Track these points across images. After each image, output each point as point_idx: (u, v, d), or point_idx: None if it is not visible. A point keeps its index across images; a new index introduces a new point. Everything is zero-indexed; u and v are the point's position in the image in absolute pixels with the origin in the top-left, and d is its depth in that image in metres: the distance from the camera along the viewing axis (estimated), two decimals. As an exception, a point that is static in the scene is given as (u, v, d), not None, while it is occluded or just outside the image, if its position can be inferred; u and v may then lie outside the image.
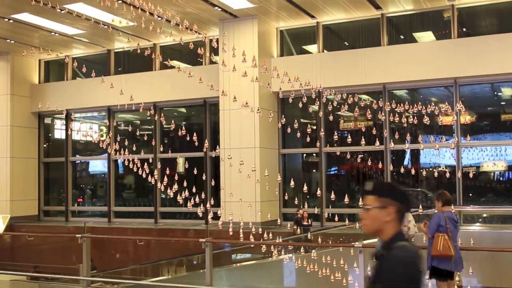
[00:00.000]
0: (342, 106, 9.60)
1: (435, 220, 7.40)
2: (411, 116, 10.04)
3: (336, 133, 13.40)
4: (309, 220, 12.81)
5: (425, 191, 14.14)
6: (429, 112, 8.96)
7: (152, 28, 9.09)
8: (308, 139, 14.57)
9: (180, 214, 16.61)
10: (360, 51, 14.11)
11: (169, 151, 15.34)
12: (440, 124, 12.85)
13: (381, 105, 10.84)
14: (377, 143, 9.77)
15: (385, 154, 13.90)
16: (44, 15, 13.90)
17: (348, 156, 14.55)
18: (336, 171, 15.78)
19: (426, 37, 14.65)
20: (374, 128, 13.69)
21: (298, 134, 9.39)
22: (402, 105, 9.08)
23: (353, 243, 8.13)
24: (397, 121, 9.21)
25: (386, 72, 13.75)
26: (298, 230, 11.53)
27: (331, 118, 9.79)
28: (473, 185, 14.18)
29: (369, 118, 14.11)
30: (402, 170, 12.37)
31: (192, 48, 8.42)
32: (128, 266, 13.25)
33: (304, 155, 16.02)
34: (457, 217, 8.23)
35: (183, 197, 8.15)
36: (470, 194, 13.83)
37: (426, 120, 8.83)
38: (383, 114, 11.34)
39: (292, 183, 9.10)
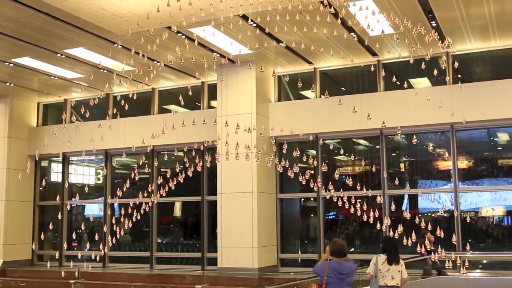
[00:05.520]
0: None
1: (317, 268, 6.70)
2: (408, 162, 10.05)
3: (336, 176, 13.36)
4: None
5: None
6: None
7: (152, 73, 9.18)
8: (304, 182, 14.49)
9: (176, 259, 16.38)
10: (357, 97, 14.22)
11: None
12: (437, 167, 12.86)
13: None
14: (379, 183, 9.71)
15: (384, 199, 13.84)
16: (44, 59, 14.06)
17: (344, 200, 14.42)
18: (334, 216, 15.68)
19: (422, 83, 14.81)
20: (372, 173, 13.70)
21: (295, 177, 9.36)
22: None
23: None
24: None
25: (383, 118, 13.80)
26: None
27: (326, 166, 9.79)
28: (472, 230, 14.07)
29: (367, 163, 14.16)
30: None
31: (191, 93, 8.50)
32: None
33: (302, 199, 15.94)
34: (348, 269, 6.68)
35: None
36: (469, 240, 13.70)
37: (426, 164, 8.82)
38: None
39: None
